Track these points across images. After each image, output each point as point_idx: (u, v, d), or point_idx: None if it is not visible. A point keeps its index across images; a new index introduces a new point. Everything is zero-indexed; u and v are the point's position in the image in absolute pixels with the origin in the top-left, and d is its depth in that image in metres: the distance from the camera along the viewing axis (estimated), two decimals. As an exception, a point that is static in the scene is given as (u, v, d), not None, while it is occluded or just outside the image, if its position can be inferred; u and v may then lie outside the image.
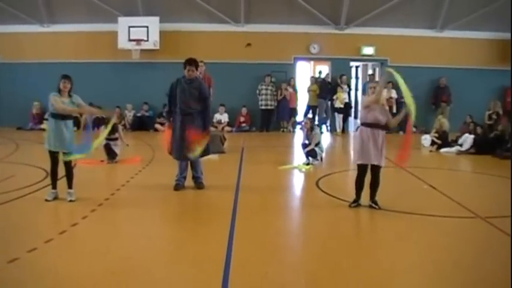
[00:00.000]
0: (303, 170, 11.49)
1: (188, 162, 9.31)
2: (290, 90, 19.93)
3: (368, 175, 8.00)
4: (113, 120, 10.61)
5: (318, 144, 12.12)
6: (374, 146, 7.79)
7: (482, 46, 19.74)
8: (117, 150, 12.16)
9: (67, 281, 5.07)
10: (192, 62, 9.06)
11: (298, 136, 17.58)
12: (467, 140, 14.72)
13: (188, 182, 9.36)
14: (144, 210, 7.96)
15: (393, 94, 19.02)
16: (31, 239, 6.18)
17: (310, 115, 18.89)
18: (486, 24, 19.07)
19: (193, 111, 9.00)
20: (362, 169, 8.03)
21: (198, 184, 9.34)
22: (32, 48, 20.16)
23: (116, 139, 12.17)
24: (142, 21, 19.44)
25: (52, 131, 8.11)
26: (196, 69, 9.24)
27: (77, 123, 10.18)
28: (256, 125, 20.15)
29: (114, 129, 11.91)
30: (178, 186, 9.20)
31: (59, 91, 8.14)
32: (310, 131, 12.25)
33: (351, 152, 13.85)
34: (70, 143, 8.17)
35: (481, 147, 14.40)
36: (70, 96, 8.18)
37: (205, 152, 9.29)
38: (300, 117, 20.20)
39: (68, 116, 8.21)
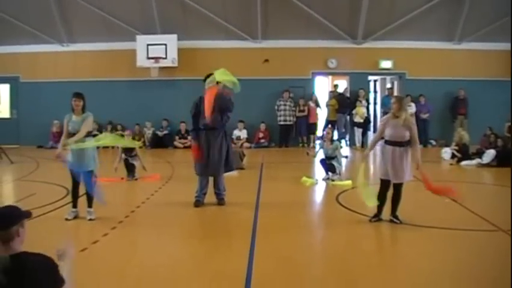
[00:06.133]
0: (331, 184, 11.47)
1: (210, 179, 9.33)
2: (312, 105, 19.93)
3: (390, 189, 7.94)
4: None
5: (336, 158, 12.05)
6: (392, 164, 7.72)
7: (499, 57, 19.44)
8: (135, 163, 12.18)
9: (88, 299, 5.06)
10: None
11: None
12: (489, 154, 14.56)
13: (208, 198, 9.37)
14: (164, 227, 7.95)
15: (413, 109, 18.88)
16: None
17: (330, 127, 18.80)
18: (504, 36, 18.83)
19: (216, 125, 9.05)
20: (383, 184, 7.98)
21: (219, 200, 9.33)
22: (52, 67, 20.44)
23: (135, 155, 12.19)
24: (160, 39, 19.59)
25: (72, 151, 8.07)
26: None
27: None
28: (275, 140, 20.13)
29: (132, 148, 11.97)
30: (198, 203, 9.20)
31: (73, 110, 8.19)
32: (330, 142, 12.17)
33: (371, 167, 13.72)
34: (90, 161, 8.14)
35: (502, 160, 14.24)
36: (83, 113, 8.20)
37: (229, 168, 9.31)
38: (319, 133, 20.08)
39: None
